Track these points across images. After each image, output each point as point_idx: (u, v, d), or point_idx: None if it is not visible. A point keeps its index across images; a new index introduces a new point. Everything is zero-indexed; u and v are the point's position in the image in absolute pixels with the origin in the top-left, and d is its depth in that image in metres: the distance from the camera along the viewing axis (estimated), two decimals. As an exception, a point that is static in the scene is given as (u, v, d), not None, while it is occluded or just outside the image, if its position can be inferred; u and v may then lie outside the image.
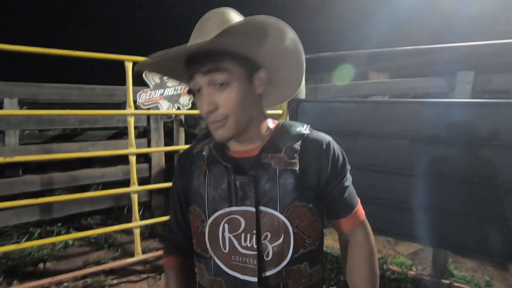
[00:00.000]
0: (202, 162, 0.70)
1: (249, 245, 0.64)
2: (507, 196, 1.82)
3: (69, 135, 3.81)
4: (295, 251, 0.65)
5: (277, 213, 0.64)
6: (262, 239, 0.64)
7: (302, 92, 2.55)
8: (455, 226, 1.98)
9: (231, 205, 0.66)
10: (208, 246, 0.68)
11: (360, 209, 0.74)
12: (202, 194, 0.68)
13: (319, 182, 0.67)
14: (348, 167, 0.73)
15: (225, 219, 0.66)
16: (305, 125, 0.72)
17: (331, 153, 0.68)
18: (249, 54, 0.62)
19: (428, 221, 2.04)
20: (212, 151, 0.70)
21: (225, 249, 0.66)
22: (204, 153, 0.71)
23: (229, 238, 0.66)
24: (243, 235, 0.65)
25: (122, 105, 3.10)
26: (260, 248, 0.64)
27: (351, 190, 0.73)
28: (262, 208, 0.64)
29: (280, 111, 2.47)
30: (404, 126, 2.07)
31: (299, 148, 0.67)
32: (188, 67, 0.62)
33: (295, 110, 2.43)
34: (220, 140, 0.65)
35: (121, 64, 2.09)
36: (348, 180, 0.72)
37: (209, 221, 0.67)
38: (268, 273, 0.64)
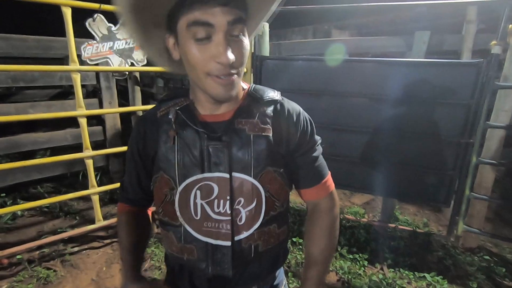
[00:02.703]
0: (169, 127, 0.64)
1: (222, 211, 0.64)
2: (448, 149, 2.02)
3: (2, 95, 3.31)
4: (266, 214, 0.67)
5: (251, 179, 0.63)
6: (235, 204, 0.64)
7: (266, 49, 2.45)
8: (402, 177, 2.18)
9: (203, 172, 0.63)
10: (178, 213, 0.65)
11: (329, 181, 0.74)
12: (171, 160, 0.64)
13: (288, 149, 0.68)
14: (318, 138, 0.73)
15: (197, 185, 0.63)
16: (277, 91, 0.70)
17: (301, 122, 0.68)
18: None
19: (379, 174, 2.23)
20: (180, 115, 0.63)
21: (196, 216, 0.65)
22: (170, 116, 0.64)
23: (201, 204, 0.64)
24: (216, 201, 0.63)
25: (63, 60, 2.71)
26: (233, 214, 0.64)
27: (320, 162, 0.73)
28: (236, 174, 0.63)
29: (244, 69, 2.36)
30: (363, 85, 2.12)
31: (272, 114, 0.66)
32: (195, 6, 0.51)
33: (259, 68, 2.35)
34: (226, 100, 0.58)
35: (57, 10, 1.77)
36: (317, 152, 0.72)
37: (180, 188, 0.64)
38: (241, 236, 0.65)
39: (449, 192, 2.08)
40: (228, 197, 0.63)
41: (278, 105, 0.67)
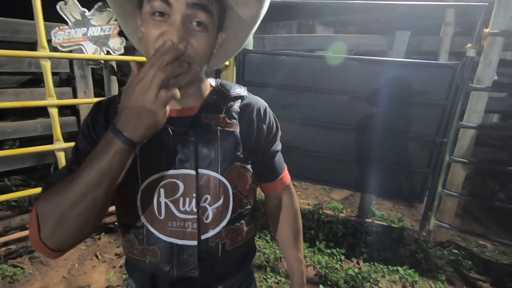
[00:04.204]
0: None
1: (188, 209, 0.61)
2: (423, 148, 2.09)
3: (-36, 81, 3.07)
4: (234, 211, 0.65)
5: (218, 175, 0.61)
6: (201, 202, 0.61)
7: (249, 43, 2.41)
8: (379, 174, 2.24)
9: (168, 169, 0.59)
10: (140, 213, 0.61)
11: (287, 173, 0.79)
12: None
13: (255, 145, 0.68)
14: (280, 133, 0.75)
15: (161, 183, 0.60)
16: (243, 87, 0.70)
17: (268, 118, 0.70)
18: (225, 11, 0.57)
19: (358, 171, 2.28)
20: None
21: (160, 215, 0.61)
22: None
23: (166, 203, 0.60)
24: (181, 199, 0.60)
25: (33, 45, 2.54)
26: (199, 212, 0.61)
27: (280, 155, 0.77)
28: (202, 170, 0.60)
29: (227, 62, 2.32)
30: (345, 83, 2.14)
31: (239, 109, 0.65)
32: None
33: (242, 61, 2.31)
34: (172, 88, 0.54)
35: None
36: (279, 146, 0.75)
37: (142, 186, 0.60)
38: (208, 235, 0.63)
39: (423, 189, 2.16)
40: (194, 195, 0.60)
41: (245, 101, 0.67)
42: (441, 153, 2.04)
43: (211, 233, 0.63)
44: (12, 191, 2.36)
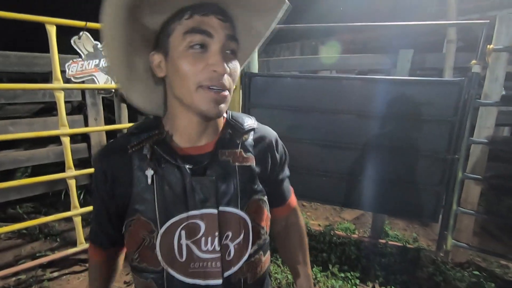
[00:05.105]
0: (145, 164, 0.58)
1: (210, 249, 0.59)
2: (434, 165, 2.05)
3: (-19, 112, 3.19)
4: (253, 244, 0.65)
5: (238, 211, 0.61)
6: (223, 239, 0.60)
7: (255, 66, 2.47)
8: (390, 192, 2.20)
9: (188, 210, 0.58)
10: (160, 258, 0.59)
11: (293, 196, 0.81)
12: (150, 201, 0.58)
13: (269, 175, 0.69)
14: (288, 159, 0.77)
15: (182, 225, 0.58)
16: (253, 118, 0.71)
17: (279, 148, 0.72)
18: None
19: (369, 190, 2.24)
20: (157, 150, 0.58)
21: (181, 257, 0.59)
22: (145, 152, 0.58)
23: (187, 245, 0.59)
24: (203, 239, 0.59)
25: (47, 76, 2.65)
26: (222, 250, 0.60)
27: (288, 180, 0.79)
28: (223, 208, 0.60)
29: (232, 92, 2.36)
30: (350, 102, 2.15)
31: (253, 142, 0.66)
32: (196, 16, 0.52)
33: (248, 84, 2.36)
34: (215, 116, 0.56)
35: (41, 28, 1.74)
36: (288, 172, 0.78)
37: (161, 230, 0.58)
38: (230, 272, 0.61)
39: (437, 207, 2.09)
40: (216, 233, 0.59)
41: (257, 133, 0.68)
42: (453, 170, 2.00)
43: (233, 269, 0.62)
44: (24, 218, 2.38)
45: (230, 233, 0.61)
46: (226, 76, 0.53)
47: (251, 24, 0.60)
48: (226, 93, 0.54)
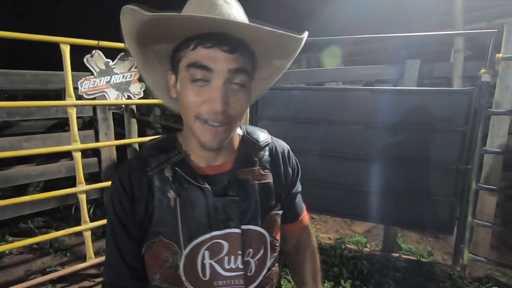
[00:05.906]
0: (167, 186, 0.58)
1: (233, 267, 0.60)
2: (447, 176, 2.01)
3: (-3, 128, 3.29)
4: (271, 257, 0.66)
5: (259, 228, 0.62)
6: (245, 257, 0.61)
7: (261, 79, 2.49)
8: (402, 204, 2.15)
9: (211, 230, 0.58)
10: (183, 278, 0.59)
11: (306, 213, 0.80)
12: (172, 222, 0.57)
13: (284, 189, 0.70)
14: (300, 174, 0.76)
15: (206, 246, 0.59)
16: (265, 131, 0.72)
17: (292, 161, 0.72)
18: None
19: (379, 201, 2.19)
20: (178, 171, 0.58)
21: (205, 276, 0.59)
22: (166, 174, 0.58)
23: (210, 264, 0.59)
24: (226, 258, 0.60)
25: (60, 92, 2.74)
26: (245, 267, 0.61)
27: (300, 196, 0.78)
28: (245, 226, 0.61)
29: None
30: (358, 113, 2.14)
31: (269, 158, 0.66)
32: (199, 49, 0.51)
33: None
34: (211, 149, 0.56)
35: (55, 48, 1.81)
36: (300, 187, 0.77)
37: (185, 252, 0.58)
38: (252, 287, 0.63)
39: (451, 219, 2.03)
40: (239, 252, 0.59)
41: (273, 148, 0.69)
42: (467, 181, 1.95)
43: (254, 284, 0.63)
44: (35, 233, 2.41)
45: (251, 250, 0.62)
46: (224, 110, 0.51)
47: (271, 60, 0.60)
48: (224, 128, 0.53)
